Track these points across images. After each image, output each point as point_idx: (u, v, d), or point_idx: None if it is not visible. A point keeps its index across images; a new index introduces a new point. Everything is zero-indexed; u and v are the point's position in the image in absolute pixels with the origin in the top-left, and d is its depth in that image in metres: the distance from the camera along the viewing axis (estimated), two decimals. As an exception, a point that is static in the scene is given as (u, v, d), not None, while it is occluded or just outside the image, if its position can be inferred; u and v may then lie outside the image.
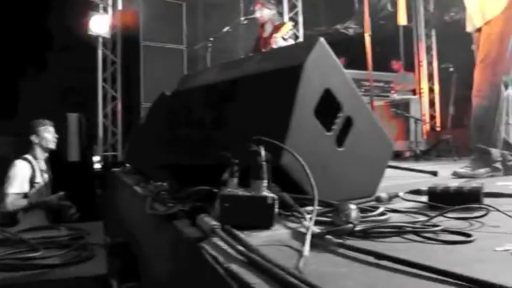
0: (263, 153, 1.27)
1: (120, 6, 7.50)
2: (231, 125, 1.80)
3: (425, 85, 8.40)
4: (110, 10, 7.46)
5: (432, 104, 8.46)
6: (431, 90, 8.47)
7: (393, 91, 7.19)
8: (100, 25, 7.19)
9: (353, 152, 1.74)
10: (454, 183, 1.63)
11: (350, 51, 6.86)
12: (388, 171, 3.08)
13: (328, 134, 1.65)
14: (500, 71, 2.73)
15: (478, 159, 2.79)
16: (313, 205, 1.52)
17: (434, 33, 8.43)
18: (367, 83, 6.93)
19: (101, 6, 7.39)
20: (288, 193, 1.42)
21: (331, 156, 1.67)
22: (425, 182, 2.64)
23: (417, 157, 5.93)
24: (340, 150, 1.69)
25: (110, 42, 7.55)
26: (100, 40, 7.38)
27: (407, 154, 6.26)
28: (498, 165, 2.80)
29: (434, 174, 2.99)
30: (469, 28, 3.03)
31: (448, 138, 5.81)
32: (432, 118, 8.46)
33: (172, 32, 7.66)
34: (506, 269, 0.85)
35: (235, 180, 1.33)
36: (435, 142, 6.38)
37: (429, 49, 8.45)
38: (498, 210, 1.28)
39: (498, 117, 2.74)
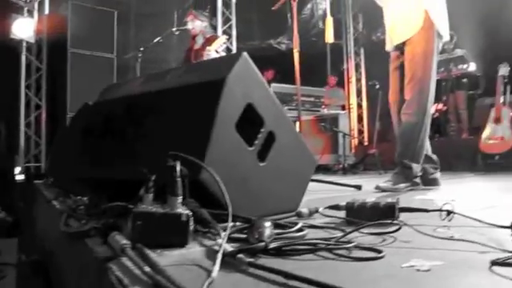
0: (178, 168, 1.23)
1: (47, 10, 7.20)
2: (152, 138, 1.75)
3: (354, 100, 8.71)
4: (35, 13, 7.14)
5: (360, 119, 8.78)
6: (360, 106, 8.79)
7: (323, 106, 7.37)
8: (24, 29, 6.86)
9: (275, 167, 1.74)
10: (374, 198, 1.66)
11: (282, 66, 6.97)
12: (315, 185, 3.16)
13: (250, 148, 1.64)
14: (426, 89, 2.86)
15: (400, 174, 2.89)
16: (232, 221, 1.50)
17: (362, 51, 8.78)
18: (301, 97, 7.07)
19: (25, 8, 7.05)
20: (208, 208, 1.39)
21: (253, 171, 1.66)
22: (348, 196, 2.71)
23: (345, 170, 6.09)
24: (262, 164, 1.69)
25: (35, 47, 7.22)
26: (24, 45, 7.03)
27: (336, 167, 6.42)
28: (418, 180, 2.92)
29: (359, 187, 3.08)
30: (388, 47, 3.16)
31: (374, 153, 6.01)
32: (360, 132, 8.77)
33: (102, 40, 7.44)
34: (409, 286, 0.87)
35: (150, 196, 1.28)
36: (362, 155, 6.59)
37: (358, 66, 8.79)
38: (409, 226, 1.31)
39: (423, 133, 2.87)
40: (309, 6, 8.68)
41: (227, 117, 1.56)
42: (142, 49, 5.27)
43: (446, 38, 2.99)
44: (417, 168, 2.87)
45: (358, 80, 8.81)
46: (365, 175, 5.74)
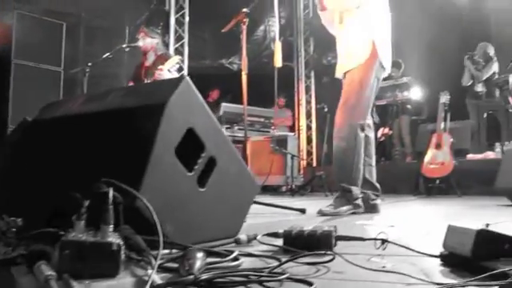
0: (111, 195, 1.20)
1: (-10, 19, 6.94)
2: (89, 161, 1.70)
3: (303, 122, 8.84)
4: (-23, 22, 6.87)
5: (309, 141, 8.91)
6: (309, 128, 8.93)
7: (273, 127, 7.44)
8: (-35, 38, 6.58)
9: (215, 192, 1.73)
10: (314, 224, 1.67)
11: (233, 86, 6.99)
12: (261, 208, 3.16)
13: (189, 174, 1.62)
14: (358, 115, 2.93)
15: (341, 197, 2.94)
16: (169, 248, 1.47)
17: (312, 74, 8.97)
18: (249, 118, 7.11)
19: (-34, 17, 6.78)
20: (146, 234, 1.36)
21: (192, 197, 1.64)
22: (292, 220, 2.73)
23: (293, 191, 6.14)
24: (201, 190, 1.67)
25: (-24, 57, 6.92)
26: (-35, 54, 6.73)
27: (284, 188, 6.47)
28: (359, 202, 2.97)
29: (303, 211, 3.10)
30: (338, 74, 3.24)
31: (321, 174, 6.11)
32: (309, 154, 8.89)
33: (49, 52, 7.21)
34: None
35: (82, 223, 1.23)
36: (310, 177, 6.68)
37: (308, 88, 8.95)
38: (343, 255, 1.32)
39: (356, 157, 2.93)
40: (261, 27, 8.80)
41: (167, 141, 1.55)
42: (89, 64, 5.15)
43: (388, 70, 3.09)
44: (356, 190, 2.93)
45: (308, 102, 8.97)
46: (312, 197, 5.82)
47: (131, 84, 5.28)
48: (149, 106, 1.60)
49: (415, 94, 7.41)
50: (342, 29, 3.10)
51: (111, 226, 1.18)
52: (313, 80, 8.96)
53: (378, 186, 3.15)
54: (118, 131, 1.66)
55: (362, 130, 2.95)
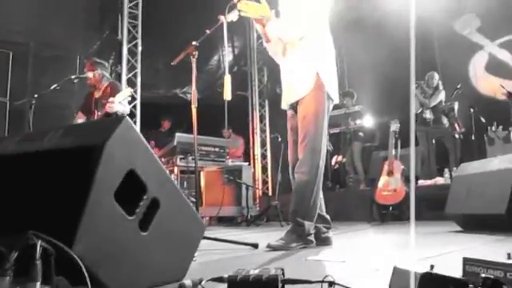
0: (39, 249, 1.12)
1: None
2: (22, 205, 1.60)
3: (258, 151, 8.85)
4: None
5: (265, 170, 8.92)
6: (264, 157, 8.95)
7: (228, 157, 7.39)
8: None
9: (158, 235, 1.66)
10: (266, 259, 1.62)
11: (187, 116, 6.92)
12: (213, 243, 3.09)
13: (130, 218, 1.55)
14: (318, 149, 2.93)
15: (293, 232, 2.91)
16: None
17: (267, 103, 9.04)
18: (203, 148, 7.04)
19: None
20: (83, 284, 1.28)
21: (133, 241, 1.56)
22: (244, 256, 2.67)
23: (248, 222, 6.08)
24: (143, 234, 1.60)
25: None
26: None
27: (239, 219, 6.40)
28: (311, 237, 2.95)
29: (255, 246, 3.04)
30: (283, 105, 3.24)
31: (276, 204, 6.09)
32: (265, 183, 8.88)
33: (-5, 82, 6.97)
34: None
35: (7, 280, 1.14)
36: (265, 207, 6.65)
37: (262, 117, 9.01)
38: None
39: (315, 191, 2.91)
40: (215, 57, 8.82)
41: (105, 184, 1.47)
42: (36, 95, 4.98)
43: (336, 101, 3.13)
44: (309, 226, 2.90)
45: (263, 131, 9.01)
46: (267, 227, 5.77)
47: (80, 115, 5.15)
48: (87, 146, 1.53)
49: (367, 121, 7.58)
50: (285, 60, 3.12)
51: (38, 283, 1.09)
52: (267, 109, 9.03)
53: (328, 218, 3.15)
54: (55, 173, 1.57)
55: (323, 162, 2.95)
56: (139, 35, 7.69)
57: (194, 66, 3.20)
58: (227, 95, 3.08)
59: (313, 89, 2.93)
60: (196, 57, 3.24)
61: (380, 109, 8.01)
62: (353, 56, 9.84)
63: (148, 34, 7.78)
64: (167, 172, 1.77)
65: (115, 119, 1.61)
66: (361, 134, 7.61)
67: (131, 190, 1.56)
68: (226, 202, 6.26)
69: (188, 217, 1.84)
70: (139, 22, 7.72)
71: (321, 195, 3.10)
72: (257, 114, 9.03)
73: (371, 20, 8.84)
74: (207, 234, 3.17)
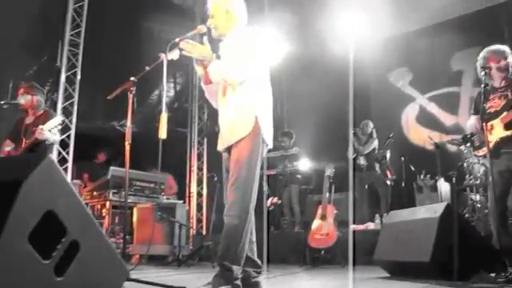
0: None
1: None
2: None
3: (194, 189, 8.75)
4: None
5: (200, 208, 8.80)
6: (200, 195, 8.84)
7: (163, 194, 7.23)
8: None
9: (76, 281, 1.57)
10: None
11: (124, 149, 6.76)
12: (140, 286, 2.96)
13: (45, 262, 1.46)
14: (249, 193, 2.92)
15: (220, 276, 2.84)
16: None
17: (205, 141, 9.02)
18: (138, 183, 6.87)
19: None
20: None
21: (46, 287, 1.46)
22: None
23: (179, 262, 5.92)
24: (59, 279, 1.50)
25: None
26: None
27: (171, 258, 6.21)
28: (239, 282, 2.89)
29: (183, 290, 2.95)
30: (219, 147, 3.23)
31: (209, 244, 5.99)
32: (199, 221, 8.75)
33: None
34: None
35: None
36: (198, 247, 6.52)
37: (200, 155, 8.95)
38: None
39: (244, 236, 2.87)
40: (157, 92, 8.76)
41: (20, 225, 1.38)
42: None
43: (270, 145, 3.16)
44: (237, 270, 2.85)
45: (200, 169, 8.94)
46: (199, 267, 5.65)
47: (8, 142, 4.92)
48: (3, 182, 1.44)
49: (304, 164, 7.71)
50: (224, 102, 3.14)
51: None
52: (205, 147, 9.00)
53: (258, 262, 3.12)
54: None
55: (253, 206, 2.93)
56: (79, 64, 7.52)
57: (130, 102, 3.15)
58: (162, 134, 3.03)
59: (250, 133, 2.94)
60: (133, 93, 3.19)
61: (317, 152, 8.21)
62: (294, 98, 10.12)
63: (88, 63, 7.62)
64: (91, 215, 1.70)
65: (38, 155, 1.52)
66: (298, 176, 7.72)
67: (49, 231, 1.47)
68: (158, 240, 6.09)
69: (110, 261, 1.76)
70: (80, 51, 7.56)
71: (253, 239, 3.08)
72: (195, 152, 8.97)
73: (314, 65, 9.16)
74: (135, 273, 3.05)
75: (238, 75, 2.97)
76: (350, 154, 7.45)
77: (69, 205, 1.55)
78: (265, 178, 7.50)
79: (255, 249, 3.15)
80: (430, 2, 8.25)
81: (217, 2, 3.22)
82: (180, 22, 8.12)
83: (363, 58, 8.48)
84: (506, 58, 3.99)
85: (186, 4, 9.01)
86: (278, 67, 9.16)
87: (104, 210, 6.62)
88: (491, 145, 3.87)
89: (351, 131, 7.42)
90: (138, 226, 6.35)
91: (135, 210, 6.49)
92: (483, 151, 4.11)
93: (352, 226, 6.56)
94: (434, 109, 8.89)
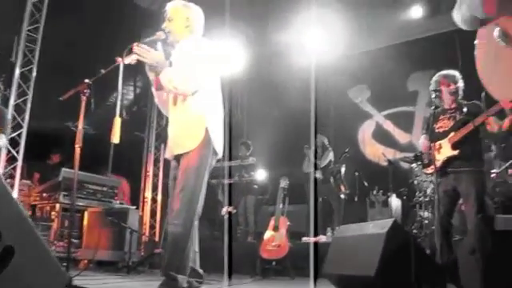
0: None
1: None
2: None
3: (149, 194, 8.62)
4: None
5: (153, 214, 8.67)
6: (154, 201, 8.72)
7: (116, 198, 7.10)
8: None
9: (11, 287, 1.52)
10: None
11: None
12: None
13: (-25, 266, 1.41)
14: (195, 202, 2.92)
15: (166, 285, 2.83)
16: None
17: (163, 147, 8.92)
18: (90, 186, 6.73)
19: None
20: None
21: (-24, 293, 1.41)
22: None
23: (129, 268, 5.81)
24: (-10, 285, 1.46)
25: None
26: None
27: (120, 264, 6.08)
28: (184, 291, 2.88)
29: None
30: (167, 155, 3.23)
31: (161, 251, 5.90)
32: (152, 227, 8.62)
33: None
34: None
35: None
36: (149, 253, 6.42)
37: (156, 161, 8.83)
38: None
39: (189, 244, 2.87)
40: (115, 94, 8.61)
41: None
42: None
43: (220, 155, 3.17)
44: (182, 280, 2.84)
45: (155, 175, 8.82)
46: (148, 275, 5.56)
47: None
48: None
49: (260, 175, 7.75)
50: (175, 112, 3.13)
51: None
52: (162, 152, 8.90)
53: (201, 272, 3.12)
54: None
55: (197, 217, 2.93)
56: (36, 60, 7.30)
57: (82, 104, 3.10)
58: (115, 138, 3.00)
59: (200, 143, 2.96)
60: (87, 95, 3.15)
61: (274, 164, 8.27)
62: (255, 110, 10.19)
63: (46, 60, 7.41)
64: (28, 219, 1.65)
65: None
66: (255, 186, 7.74)
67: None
68: (109, 245, 5.95)
69: (48, 266, 1.71)
70: (37, 47, 7.34)
71: (196, 249, 3.08)
72: (151, 157, 8.85)
73: (275, 78, 9.27)
74: (81, 279, 2.98)
75: (190, 86, 2.98)
76: (309, 167, 7.55)
77: (4, 209, 1.51)
78: (221, 186, 7.52)
79: (198, 258, 3.16)
80: (390, 24, 8.52)
81: (177, 7, 3.23)
82: (144, 25, 8.04)
83: (324, 73, 8.66)
84: (456, 83, 4.17)
85: (151, 8, 8.92)
86: (240, 78, 9.27)
87: (53, 213, 6.43)
88: (439, 163, 4.02)
89: (313, 143, 7.52)
90: (88, 230, 6.19)
91: (86, 214, 6.34)
92: (431, 169, 4.27)
93: (304, 238, 6.65)
94: (389, 126, 9.15)
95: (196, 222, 2.95)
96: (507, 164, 5.60)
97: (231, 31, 7.83)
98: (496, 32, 1.62)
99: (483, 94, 3.81)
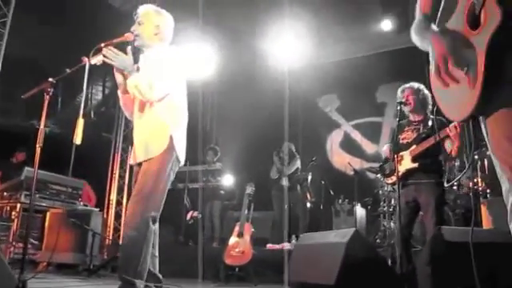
0: None
1: None
2: None
3: (114, 197, 8.48)
4: None
5: (118, 217, 8.53)
6: (119, 203, 8.58)
7: (80, 199, 6.96)
8: None
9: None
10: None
11: (45, 150, 6.46)
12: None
13: None
14: (151, 206, 2.89)
15: (123, 290, 2.79)
16: None
17: (130, 149, 8.78)
18: (54, 186, 6.59)
19: None
20: None
21: None
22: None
23: (90, 272, 5.70)
24: None
25: None
26: None
27: (81, 267, 5.96)
28: (144, 297, 2.85)
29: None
30: (131, 161, 3.19)
31: (123, 255, 5.79)
32: (117, 230, 8.48)
33: None
34: None
35: None
36: (112, 256, 6.32)
37: (123, 163, 8.69)
38: None
39: (145, 249, 2.83)
40: (83, 94, 8.48)
41: None
42: None
43: (182, 163, 3.16)
44: (140, 284, 2.81)
45: (121, 177, 8.68)
46: (110, 279, 5.46)
47: None
48: None
49: (227, 180, 7.75)
50: (140, 118, 3.11)
51: None
52: (129, 155, 8.77)
53: (160, 276, 3.10)
54: None
55: (154, 222, 2.90)
56: (1, 56, 7.10)
57: (45, 103, 3.05)
58: (78, 139, 2.96)
59: (163, 151, 2.94)
60: (50, 94, 3.10)
61: (241, 169, 8.29)
62: (224, 116, 10.20)
63: (10, 56, 7.23)
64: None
65: None
66: (222, 191, 7.73)
67: None
68: (70, 248, 5.83)
69: (-3, 269, 1.67)
70: (4, 42, 7.15)
71: (156, 253, 3.06)
72: (118, 159, 8.70)
73: (246, 85, 9.30)
74: (37, 282, 2.92)
75: (155, 93, 2.96)
76: (273, 174, 7.58)
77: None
78: (186, 191, 7.49)
79: (157, 263, 3.13)
80: (360, 36, 8.67)
81: (149, 13, 3.22)
82: (116, 25, 7.94)
83: (295, 80, 8.74)
84: (421, 95, 4.28)
85: (124, 8, 8.82)
86: (211, 81, 9.25)
87: (14, 213, 6.26)
88: (399, 174, 4.10)
89: (286, 148, 7.55)
90: (49, 231, 6.05)
91: (48, 215, 6.19)
92: (391, 179, 4.37)
93: (268, 245, 6.66)
94: (357, 136, 9.29)
95: (155, 227, 2.91)
96: (459, 176, 5.74)
97: (203, 33, 7.83)
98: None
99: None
